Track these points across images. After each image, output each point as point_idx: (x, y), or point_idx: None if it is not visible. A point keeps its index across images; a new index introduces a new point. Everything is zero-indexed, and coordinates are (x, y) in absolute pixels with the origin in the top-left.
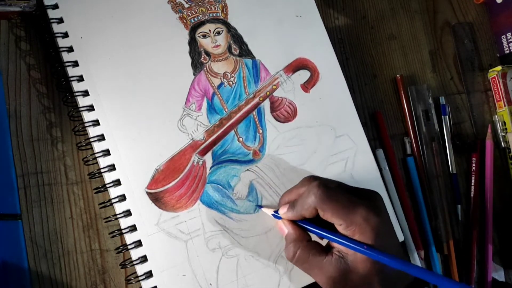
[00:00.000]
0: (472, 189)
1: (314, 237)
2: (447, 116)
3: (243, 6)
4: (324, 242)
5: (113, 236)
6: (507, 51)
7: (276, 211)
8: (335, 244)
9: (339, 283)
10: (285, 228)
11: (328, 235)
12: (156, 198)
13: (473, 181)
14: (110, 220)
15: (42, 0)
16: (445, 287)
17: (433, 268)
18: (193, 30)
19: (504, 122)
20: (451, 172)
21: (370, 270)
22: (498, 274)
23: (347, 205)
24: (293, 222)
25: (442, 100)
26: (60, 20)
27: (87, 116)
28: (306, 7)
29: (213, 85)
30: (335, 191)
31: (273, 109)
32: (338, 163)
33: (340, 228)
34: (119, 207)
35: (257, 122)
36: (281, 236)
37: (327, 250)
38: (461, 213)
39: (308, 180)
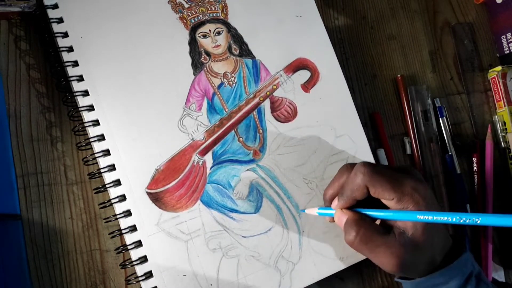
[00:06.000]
0: (475, 189)
1: None
2: (444, 118)
3: (243, 6)
4: None
5: (113, 237)
6: (507, 51)
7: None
8: (392, 223)
9: (406, 260)
10: (344, 216)
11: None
12: (156, 198)
13: (475, 181)
14: (110, 220)
15: (42, 0)
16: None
17: None
18: (193, 30)
19: (504, 122)
20: (457, 172)
21: (430, 240)
22: (498, 274)
23: (395, 178)
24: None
25: (438, 102)
26: (60, 20)
27: (87, 116)
28: (306, 7)
29: (213, 85)
30: (380, 167)
31: (273, 109)
32: (338, 163)
33: (392, 203)
34: (119, 207)
35: (258, 122)
36: (281, 235)
37: (387, 230)
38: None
39: (348, 167)
